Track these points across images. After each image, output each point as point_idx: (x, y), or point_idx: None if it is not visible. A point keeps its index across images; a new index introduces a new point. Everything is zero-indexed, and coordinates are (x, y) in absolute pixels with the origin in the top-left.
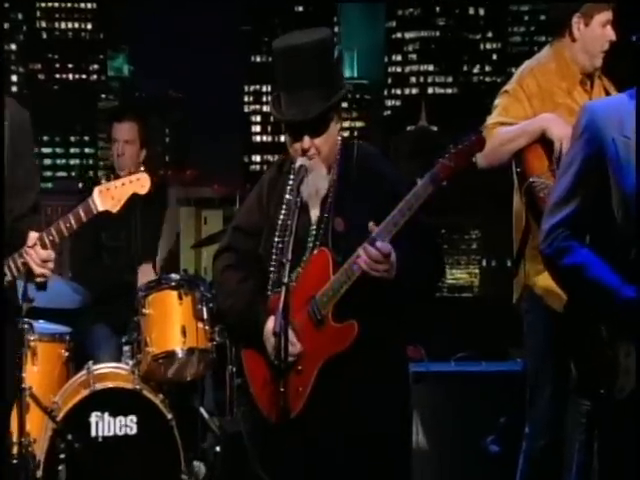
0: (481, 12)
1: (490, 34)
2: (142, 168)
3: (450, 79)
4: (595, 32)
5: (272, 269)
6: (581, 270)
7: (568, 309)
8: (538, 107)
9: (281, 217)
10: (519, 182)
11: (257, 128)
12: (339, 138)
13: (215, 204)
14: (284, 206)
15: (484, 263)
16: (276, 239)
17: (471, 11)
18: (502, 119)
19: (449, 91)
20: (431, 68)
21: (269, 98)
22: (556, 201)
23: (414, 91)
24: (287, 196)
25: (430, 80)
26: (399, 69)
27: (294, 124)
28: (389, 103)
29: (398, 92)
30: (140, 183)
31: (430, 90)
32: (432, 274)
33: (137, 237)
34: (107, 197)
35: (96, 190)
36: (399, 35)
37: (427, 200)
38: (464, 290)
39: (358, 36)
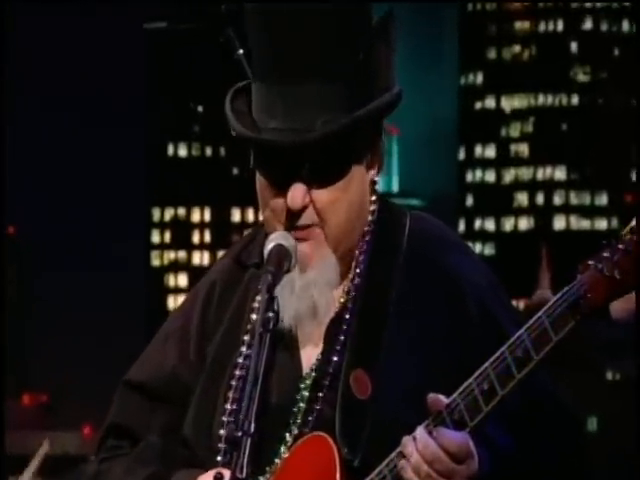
0: None
1: None
2: None
3: (603, 199)
4: None
5: (219, 458)
6: None
7: None
8: None
9: (239, 361)
10: None
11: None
12: (373, 197)
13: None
14: (245, 338)
15: None
16: (228, 407)
17: None
18: None
19: (600, 225)
20: (560, 174)
21: (206, 237)
22: None
23: (524, 224)
24: (253, 316)
25: (559, 200)
26: (490, 176)
27: (276, 151)
28: (470, 245)
29: (489, 227)
30: None
31: (559, 222)
32: None
33: None
34: None
35: None
36: (490, 103)
37: (557, 347)
38: None
39: (400, 108)
